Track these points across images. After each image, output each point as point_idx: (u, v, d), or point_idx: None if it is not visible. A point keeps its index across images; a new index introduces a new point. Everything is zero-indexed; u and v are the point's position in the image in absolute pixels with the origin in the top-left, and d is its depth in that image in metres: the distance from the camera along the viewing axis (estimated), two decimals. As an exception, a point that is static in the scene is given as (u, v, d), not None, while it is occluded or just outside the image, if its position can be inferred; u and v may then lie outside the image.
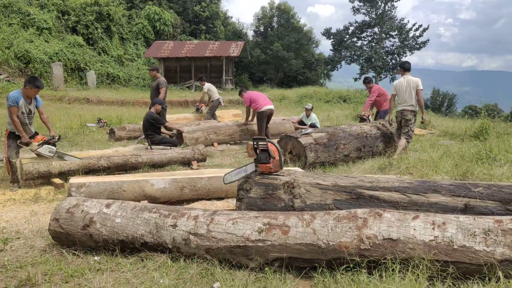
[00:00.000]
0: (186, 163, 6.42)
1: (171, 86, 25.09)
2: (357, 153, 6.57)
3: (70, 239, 3.16)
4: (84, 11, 25.54)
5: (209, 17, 34.08)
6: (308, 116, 9.76)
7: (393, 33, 34.41)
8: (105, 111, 14.48)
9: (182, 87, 25.46)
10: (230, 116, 11.26)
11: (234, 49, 26.21)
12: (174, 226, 2.93)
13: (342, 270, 2.54)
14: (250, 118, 8.81)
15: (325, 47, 41.74)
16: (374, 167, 5.77)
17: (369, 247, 2.50)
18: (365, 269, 2.49)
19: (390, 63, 34.28)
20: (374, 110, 9.37)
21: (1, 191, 5.10)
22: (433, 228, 2.45)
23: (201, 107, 10.84)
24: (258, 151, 3.55)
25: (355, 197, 3.26)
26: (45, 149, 5.19)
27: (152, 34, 30.20)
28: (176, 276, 2.70)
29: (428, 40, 33.74)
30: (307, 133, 6.30)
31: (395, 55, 34.29)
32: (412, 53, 34.50)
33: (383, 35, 34.40)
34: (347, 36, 35.77)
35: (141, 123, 8.12)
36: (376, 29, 34.98)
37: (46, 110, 6.14)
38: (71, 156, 5.52)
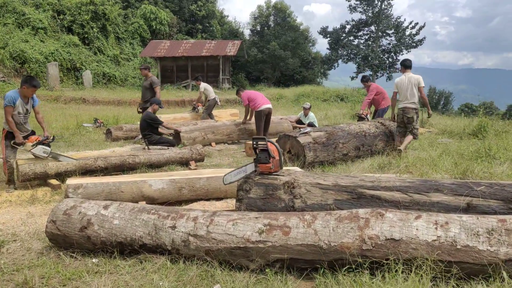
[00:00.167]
0: (184, 163, 6.39)
1: (168, 86, 25.03)
2: (356, 152, 6.55)
3: (67, 241, 3.11)
4: (79, 11, 25.41)
5: (205, 16, 34.02)
6: (306, 115, 9.73)
7: (390, 32, 34.56)
8: (101, 111, 14.40)
9: (179, 86, 25.40)
10: (227, 116, 11.21)
11: (231, 48, 26.14)
12: (173, 227, 2.89)
13: (344, 271, 2.51)
14: (248, 117, 8.78)
15: (321, 45, 41.88)
16: (374, 166, 5.75)
17: (371, 248, 2.47)
18: (367, 270, 2.46)
19: (387, 62, 34.42)
20: (372, 108, 9.36)
21: (-3, 192, 5.04)
22: (436, 228, 2.43)
23: (198, 106, 10.81)
24: (257, 151, 3.51)
25: (356, 197, 3.23)
26: (39, 150, 5.16)
27: (148, 34, 30.07)
28: (175, 278, 2.67)
29: (424, 38, 33.93)
30: (305, 132, 6.26)
31: (392, 54, 34.45)
32: (408, 51, 34.70)
33: (379, 33, 34.51)
34: (344, 35, 35.88)
35: (138, 123, 8.07)
36: (372, 28, 35.08)
37: (42, 110, 6.10)
38: (66, 156, 5.48)
